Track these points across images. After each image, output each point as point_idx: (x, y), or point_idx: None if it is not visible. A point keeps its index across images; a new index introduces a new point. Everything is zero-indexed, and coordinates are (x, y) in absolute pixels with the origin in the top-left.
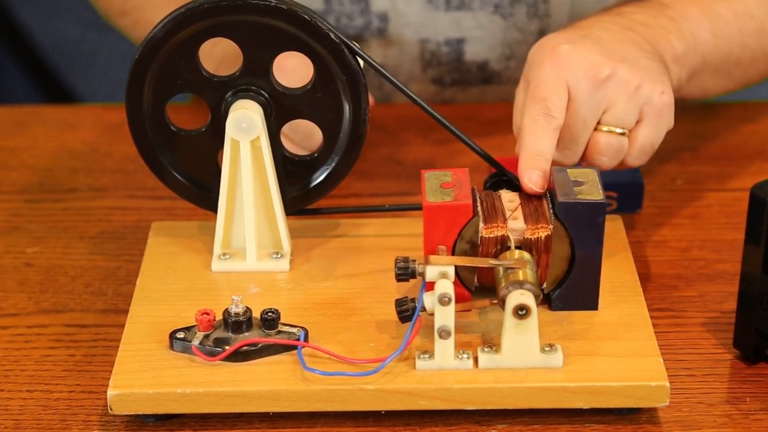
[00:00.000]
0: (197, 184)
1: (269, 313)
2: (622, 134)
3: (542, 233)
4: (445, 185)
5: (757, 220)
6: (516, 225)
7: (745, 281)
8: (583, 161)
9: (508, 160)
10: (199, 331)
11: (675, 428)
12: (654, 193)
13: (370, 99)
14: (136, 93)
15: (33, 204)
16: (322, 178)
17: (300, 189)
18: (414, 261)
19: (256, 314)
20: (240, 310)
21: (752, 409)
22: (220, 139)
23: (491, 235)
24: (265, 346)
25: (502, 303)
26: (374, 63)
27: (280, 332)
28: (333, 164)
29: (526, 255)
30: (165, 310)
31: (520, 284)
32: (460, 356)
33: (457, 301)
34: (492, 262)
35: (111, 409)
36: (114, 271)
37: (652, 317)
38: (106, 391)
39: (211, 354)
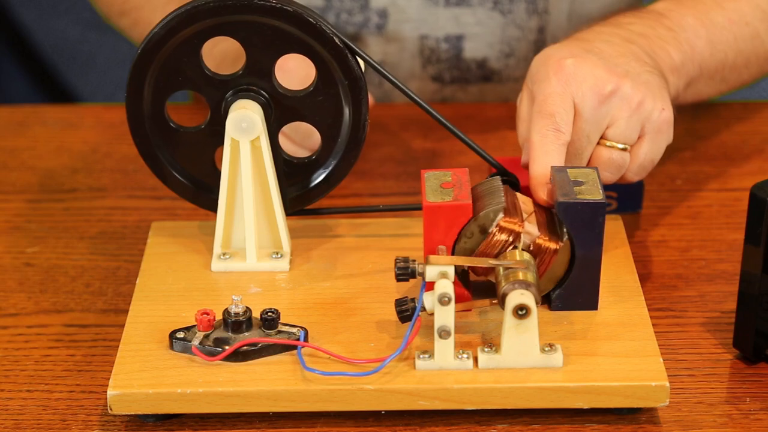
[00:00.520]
0: (195, 182)
1: (269, 313)
2: (624, 150)
3: (552, 246)
4: (445, 185)
5: (757, 220)
6: (530, 229)
7: (745, 281)
8: None
9: (508, 160)
10: (199, 331)
11: (675, 428)
12: (654, 193)
13: (370, 99)
14: (137, 87)
15: (33, 204)
16: (321, 178)
17: (300, 189)
18: (414, 261)
19: (256, 314)
20: (240, 310)
21: (752, 409)
22: (218, 137)
23: (507, 227)
24: (265, 346)
25: (502, 303)
26: (379, 67)
27: (280, 332)
28: (332, 165)
29: (527, 256)
30: (165, 310)
31: (520, 284)
32: (460, 356)
33: (457, 301)
34: (492, 262)
35: (111, 409)
36: (114, 271)
37: (652, 317)
38: (106, 391)
39: (211, 354)
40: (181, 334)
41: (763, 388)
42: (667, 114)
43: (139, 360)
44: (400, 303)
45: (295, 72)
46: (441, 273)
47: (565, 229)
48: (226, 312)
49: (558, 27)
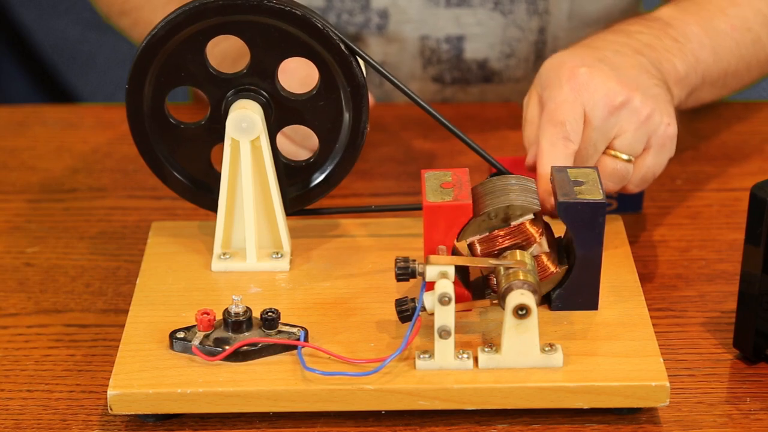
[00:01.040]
0: (195, 182)
1: (269, 313)
2: (628, 161)
3: (552, 268)
4: (445, 185)
5: (757, 220)
6: (543, 243)
7: (745, 281)
8: None
9: (508, 160)
10: (199, 331)
11: (675, 428)
12: (654, 193)
13: (371, 99)
14: (139, 80)
15: (33, 204)
16: (321, 178)
17: (300, 189)
18: (414, 261)
19: (256, 314)
20: (240, 310)
21: (752, 409)
22: (216, 134)
23: (529, 230)
24: (265, 346)
25: (502, 303)
26: (383, 70)
27: (280, 332)
28: (330, 168)
29: (527, 256)
30: (165, 310)
31: (521, 284)
32: (460, 356)
33: (457, 301)
34: (492, 262)
35: (111, 409)
36: (114, 271)
37: (652, 317)
38: (106, 391)
39: (211, 354)
40: (181, 334)
41: (763, 388)
42: (672, 129)
43: (139, 360)
44: (400, 303)
45: (295, 72)
46: (441, 273)
47: (565, 256)
48: (227, 312)
49: (558, 27)
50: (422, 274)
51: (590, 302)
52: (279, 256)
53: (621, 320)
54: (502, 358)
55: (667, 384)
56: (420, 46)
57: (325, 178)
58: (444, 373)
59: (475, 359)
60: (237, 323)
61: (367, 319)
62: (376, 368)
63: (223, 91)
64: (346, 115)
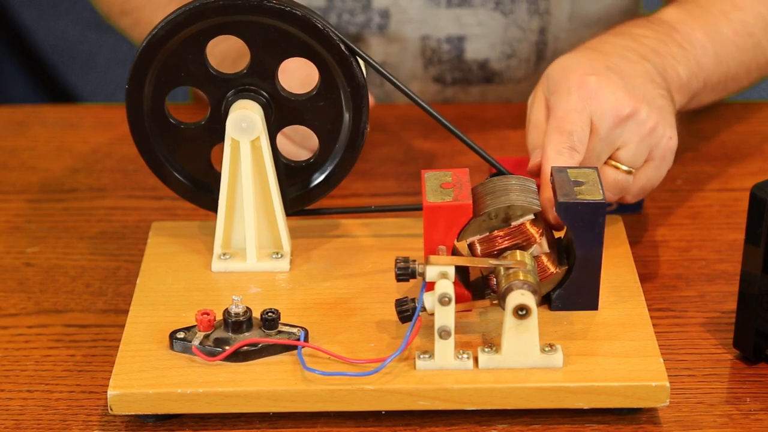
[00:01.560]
0: (195, 182)
1: (269, 313)
2: (629, 172)
3: (552, 269)
4: (445, 185)
5: (757, 220)
6: (543, 244)
7: (745, 281)
8: None
9: (508, 160)
10: (199, 331)
11: (675, 428)
12: (654, 193)
13: (371, 100)
14: (139, 79)
15: (33, 204)
16: (321, 178)
17: (300, 189)
18: (414, 261)
19: (256, 314)
20: (240, 310)
21: (752, 409)
22: (216, 134)
23: (529, 231)
24: (265, 347)
25: (502, 303)
26: (384, 71)
27: (280, 332)
28: (329, 169)
29: (528, 257)
30: (165, 310)
31: (521, 284)
32: (460, 356)
33: (457, 301)
34: (492, 262)
35: (111, 409)
36: (114, 271)
37: (652, 317)
38: (106, 391)
39: (211, 354)
40: (181, 335)
41: (763, 388)
42: (674, 143)
43: (139, 360)
44: (400, 303)
45: (295, 72)
46: (441, 273)
47: (565, 257)
48: (227, 312)
49: (559, 28)
50: (422, 275)
51: (590, 302)
52: (279, 256)
53: (621, 320)
54: (502, 358)
55: (667, 384)
56: (421, 47)
57: (325, 178)
58: (444, 373)
59: (475, 359)
60: (237, 323)
61: (367, 319)
62: (376, 368)
63: (223, 91)
64: (346, 116)
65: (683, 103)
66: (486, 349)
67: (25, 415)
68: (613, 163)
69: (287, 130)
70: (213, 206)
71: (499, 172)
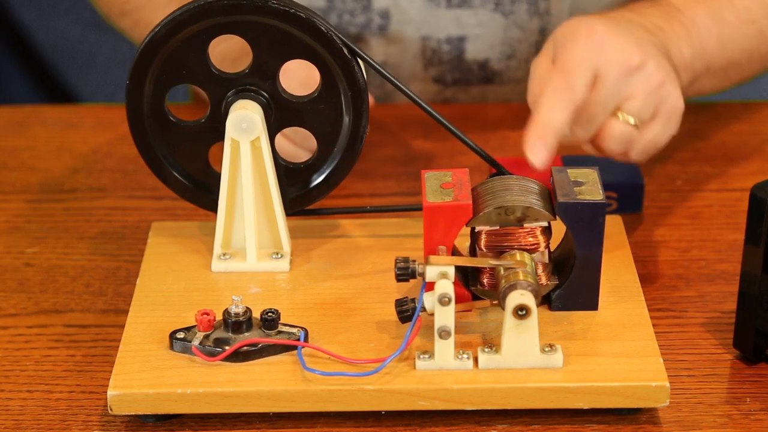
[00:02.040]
0: (195, 182)
1: (269, 314)
2: (635, 126)
3: (544, 281)
4: (445, 185)
5: (757, 220)
6: (545, 254)
7: (745, 281)
8: (591, 143)
9: (508, 160)
10: (199, 331)
11: (675, 428)
12: (654, 193)
13: (371, 99)
14: (140, 77)
15: (33, 204)
16: (321, 179)
17: (300, 189)
18: (414, 261)
19: (256, 314)
20: (240, 310)
21: (752, 409)
22: (215, 133)
23: (539, 237)
24: (265, 347)
25: (502, 303)
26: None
27: (280, 332)
28: (328, 170)
29: (527, 257)
30: (165, 310)
31: (521, 284)
32: (460, 356)
33: (457, 301)
34: (492, 262)
35: (111, 410)
36: (114, 271)
37: (652, 317)
38: (106, 391)
39: (211, 354)
40: (181, 335)
41: (763, 388)
42: (681, 103)
43: (139, 360)
44: (400, 303)
45: (295, 72)
46: (441, 273)
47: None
48: (226, 312)
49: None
50: (422, 275)
51: (590, 302)
52: (279, 256)
53: (621, 320)
54: (502, 358)
55: (667, 384)
56: (421, 47)
57: (324, 179)
58: (444, 373)
59: (475, 359)
60: (237, 323)
61: (367, 319)
62: (376, 368)
63: (223, 90)
64: (346, 119)
65: (686, 83)
66: (486, 349)
67: (25, 415)
68: (620, 114)
69: (287, 130)
70: (213, 206)
71: (499, 172)
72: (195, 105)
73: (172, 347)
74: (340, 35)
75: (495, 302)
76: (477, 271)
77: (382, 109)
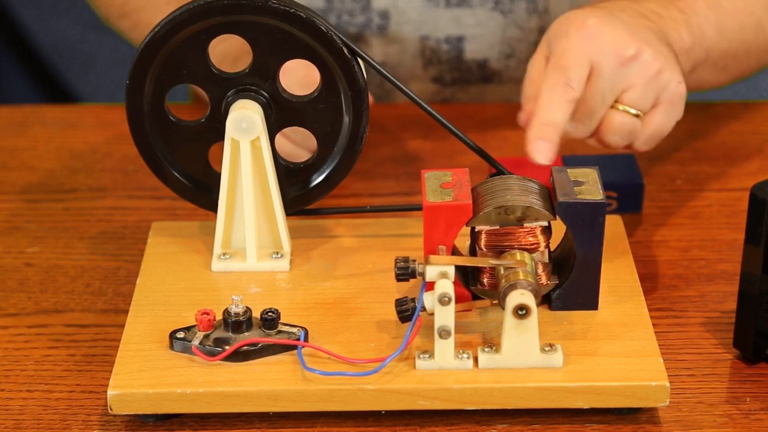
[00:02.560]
0: (195, 182)
1: (269, 313)
2: (636, 116)
3: (544, 281)
4: (445, 185)
5: (757, 220)
6: (545, 254)
7: (745, 281)
8: (593, 137)
9: (508, 160)
10: (199, 331)
11: (675, 428)
12: (654, 193)
13: (370, 98)
14: (140, 77)
15: (33, 204)
16: (321, 178)
17: (300, 189)
18: (414, 261)
19: (256, 314)
20: (240, 310)
21: (752, 408)
22: (215, 133)
23: (539, 237)
24: (265, 346)
25: (502, 303)
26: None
27: (280, 332)
28: (328, 170)
29: (527, 256)
30: (165, 310)
31: (521, 284)
32: (460, 356)
33: (457, 301)
34: (492, 262)
35: (111, 409)
36: (114, 271)
37: (652, 317)
38: (106, 391)
39: (211, 354)
40: (181, 334)
41: (763, 388)
42: (683, 88)
43: (139, 360)
44: (400, 303)
45: (295, 72)
46: (441, 273)
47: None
48: (226, 312)
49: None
50: (422, 274)
51: (590, 302)
52: (279, 256)
53: (621, 320)
54: (502, 358)
55: (667, 384)
56: (420, 47)
57: (324, 179)
58: (444, 373)
59: (475, 359)
60: (237, 323)
61: (367, 319)
62: (376, 368)
63: (223, 90)
64: (346, 119)
65: (686, 70)
66: (486, 349)
67: (25, 415)
68: (620, 106)
69: (287, 130)
70: (213, 206)
71: (499, 172)
72: (195, 105)
73: (172, 347)
74: (340, 35)
75: (495, 302)
76: (477, 271)
77: (382, 108)
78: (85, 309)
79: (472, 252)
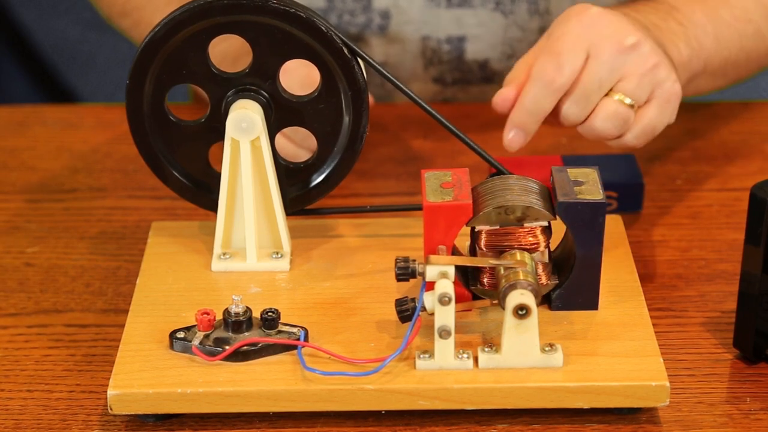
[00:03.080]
0: (192, 179)
1: (269, 313)
2: (631, 106)
3: (544, 281)
4: (445, 185)
5: (757, 220)
6: (545, 253)
7: (745, 281)
8: (585, 124)
9: (508, 159)
10: (199, 330)
11: (675, 428)
12: (654, 193)
13: (370, 99)
14: (140, 76)
15: (33, 204)
16: (321, 178)
17: (300, 189)
18: (414, 261)
19: (256, 314)
20: (240, 309)
21: (752, 408)
22: (215, 133)
23: (539, 237)
24: (265, 346)
25: (502, 303)
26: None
27: (280, 332)
28: (328, 170)
29: (527, 256)
30: (165, 310)
31: (521, 284)
32: (460, 356)
33: (457, 301)
34: (492, 262)
35: (111, 409)
36: (114, 271)
37: (652, 317)
38: (106, 391)
39: (211, 354)
40: (181, 334)
41: (763, 388)
42: (678, 87)
43: (139, 360)
44: (400, 303)
45: (295, 72)
46: (441, 273)
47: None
48: (227, 312)
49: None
50: (422, 274)
51: (590, 302)
52: (279, 256)
53: (621, 320)
54: (502, 358)
55: (667, 384)
56: (421, 47)
57: (324, 179)
58: (444, 373)
59: (475, 359)
60: (237, 323)
61: (367, 319)
62: (376, 368)
63: (223, 90)
64: (346, 119)
65: (683, 81)
66: (486, 349)
67: (25, 415)
68: (615, 96)
69: (287, 130)
70: (213, 206)
71: (499, 172)
72: (195, 105)
73: (172, 347)
74: (340, 35)
75: (495, 302)
76: (477, 271)
77: (382, 108)
78: (85, 309)
79: (472, 252)
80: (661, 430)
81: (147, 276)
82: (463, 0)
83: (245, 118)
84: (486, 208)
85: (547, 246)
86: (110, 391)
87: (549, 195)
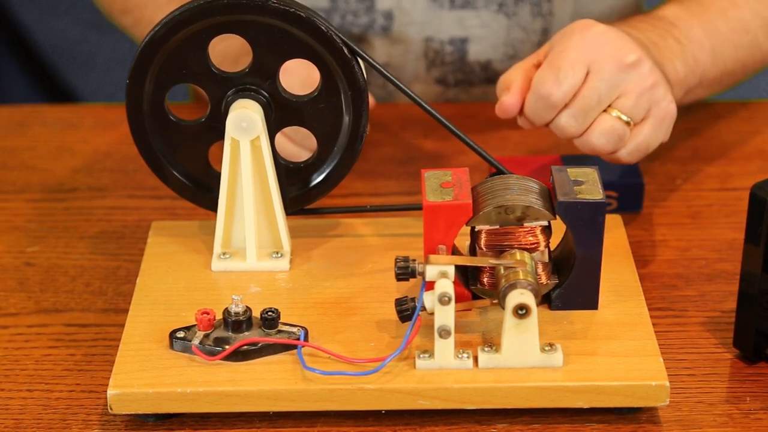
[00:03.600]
0: (192, 179)
1: (269, 313)
2: (627, 123)
3: (544, 281)
4: (445, 185)
5: (757, 219)
6: (545, 253)
7: (745, 281)
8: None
9: (508, 160)
10: (199, 330)
11: (675, 428)
12: (654, 193)
13: (371, 100)
14: (140, 76)
15: (33, 204)
16: (320, 179)
17: (300, 189)
18: (414, 260)
19: (256, 314)
20: (240, 309)
21: (752, 408)
22: (215, 132)
23: (539, 237)
24: (265, 346)
25: (502, 303)
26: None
27: (280, 332)
28: (328, 169)
29: (527, 256)
30: (165, 310)
31: (521, 284)
32: (460, 356)
33: (457, 301)
34: (492, 261)
35: (111, 409)
36: (114, 271)
37: (652, 317)
38: (106, 391)
39: (211, 353)
40: (181, 334)
41: (763, 387)
42: (674, 108)
43: (139, 359)
44: (400, 302)
45: (296, 72)
46: (441, 272)
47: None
48: (227, 311)
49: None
50: (422, 274)
51: (590, 302)
52: (279, 255)
53: (621, 320)
54: (502, 357)
55: (667, 383)
56: (424, 48)
57: (324, 178)
58: (444, 372)
59: (475, 359)
60: (237, 323)
61: (367, 318)
62: (376, 368)
63: (223, 89)
64: (346, 119)
65: (679, 97)
66: (486, 349)
67: (25, 415)
68: (613, 111)
69: (287, 129)
70: (213, 205)
71: (499, 172)
72: (195, 104)
73: (172, 346)
74: (340, 35)
75: (495, 301)
76: (477, 271)
77: (383, 108)
78: (85, 309)
79: (472, 252)
80: (661, 429)
81: (147, 276)
82: (466, 1)
83: (245, 118)
84: (486, 207)
85: (547, 246)
86: (110, 391)
87: (549, 195)
